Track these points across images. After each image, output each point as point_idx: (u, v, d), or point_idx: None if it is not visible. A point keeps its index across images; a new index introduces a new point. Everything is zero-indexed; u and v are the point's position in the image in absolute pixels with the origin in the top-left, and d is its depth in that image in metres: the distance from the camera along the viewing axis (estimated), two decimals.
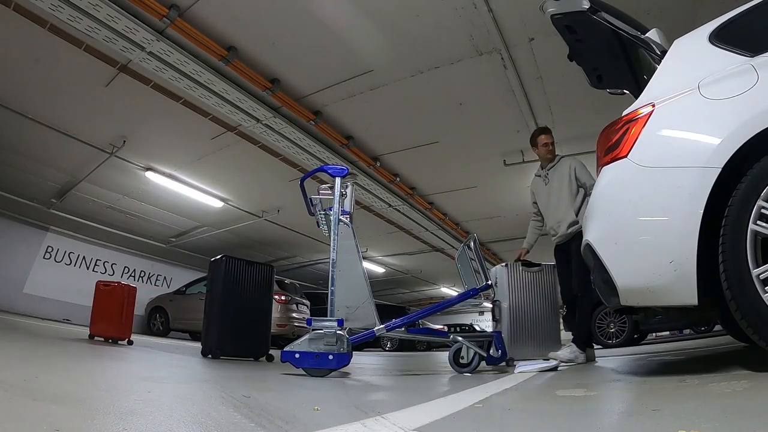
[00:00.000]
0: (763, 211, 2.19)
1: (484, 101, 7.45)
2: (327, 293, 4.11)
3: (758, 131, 2.20)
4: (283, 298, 12.21)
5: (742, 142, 2.22)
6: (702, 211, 2.26)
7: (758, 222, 2.19)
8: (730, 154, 2.24)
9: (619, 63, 3.56)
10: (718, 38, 2.70)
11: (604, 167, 2.80)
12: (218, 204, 11.74)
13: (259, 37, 6.21)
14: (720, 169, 2.25)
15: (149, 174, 10.14)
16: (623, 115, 2.82)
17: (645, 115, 2.67)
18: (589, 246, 2.82)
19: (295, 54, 6.50)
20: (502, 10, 5.57)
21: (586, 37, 3.44)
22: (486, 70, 6.65)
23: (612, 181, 2.75)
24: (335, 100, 7.44)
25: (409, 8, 5.65)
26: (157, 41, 6.01)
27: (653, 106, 2.67)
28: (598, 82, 3.74)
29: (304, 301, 13.40)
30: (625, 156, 2.65)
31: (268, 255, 16.41)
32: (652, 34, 3.12)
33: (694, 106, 2.54)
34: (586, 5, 3.17)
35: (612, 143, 2.76)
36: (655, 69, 2.90)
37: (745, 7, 2.77)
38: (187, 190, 10.97)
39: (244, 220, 12.94)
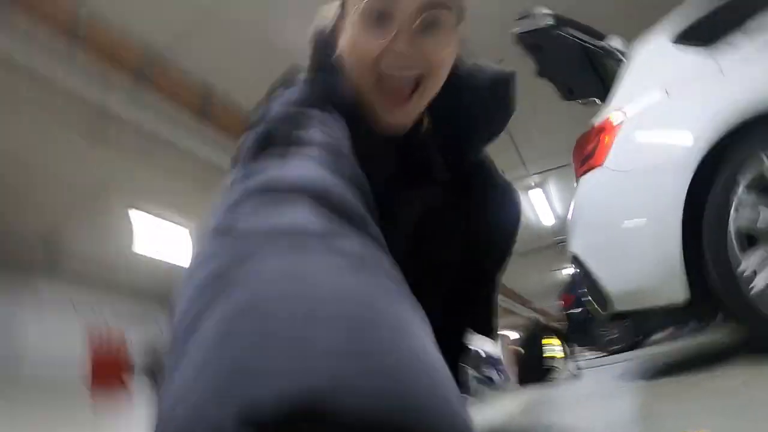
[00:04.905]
0: (741, 206, 2.22)
1: None
2: None
3: (729, 127, 2.24)
4: None
5: (715, 139, 2.26)
6: (681, 210, 2.29)
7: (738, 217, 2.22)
8: (704, 152, 2.27)
9: (588, 74, 3.63)
10: (679, 35, 2.77)
11: (581, 177, 2.84)
12: None
13: None
14: (695, 167, 2.28)
15: None
16: (595, 123, 2.87)
17: (616, 121, 2.70)
18: (575, 258, 2.84)
19: None
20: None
21: (552, 53, 3.50)
22: None
23: (591, 189, 2.79)
24: None
25: None
26: None
27: (623, 112, 2.71)
28: (570, 95, 3.80)
29: None
30: (601, 164, 2.68)
31: None
32: (614, 42, 3.22)
33: (663, 107, 2.60)
34: (550, 21, 3.25)
35: (587, 153, 2.80)
36: (621, 75, 2.97)
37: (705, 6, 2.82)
38: None
39: None
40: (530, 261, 15.48)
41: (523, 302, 22.62)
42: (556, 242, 13.52)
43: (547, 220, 11.90)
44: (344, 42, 0.98)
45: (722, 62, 2.42)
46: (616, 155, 2.64)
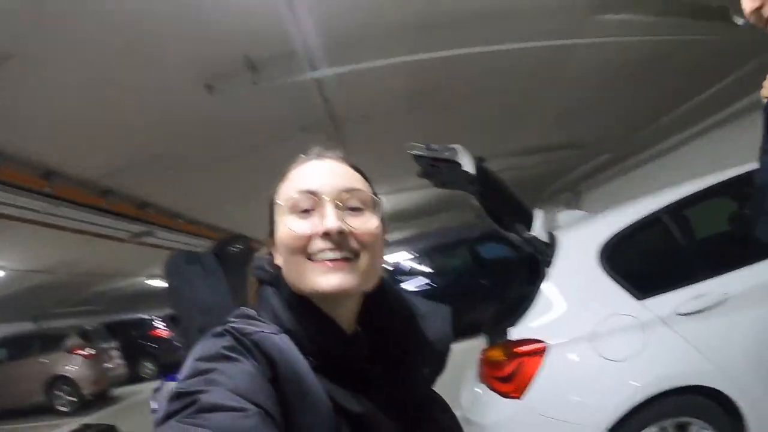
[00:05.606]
0: None
1: None
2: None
3: (640, 401, 2.47)
4: (88, 352, 10.91)
5: (628, 410, 2.46)
6: None
7: None
8: (617, 420, 2.47)
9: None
10: (608, 260, 2.76)
11: (495, 394, 2.81)
12: None
13: (26, 137, 5.45)
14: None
15: None
16: (513, 340, 2.79)
17: (538, 354, 2.66)
18: None
19: (73, 145, 5.80)
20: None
21: (445, 175, 3.16)
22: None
23: (508, 422, 2.76)
24: (126, 180, 6.85)
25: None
26: None
27: (545, 346, 2.67)
28: (442, 186, 3.43)
29: (112, 345, 12.15)
30: (520, 397, 2.66)
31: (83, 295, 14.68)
32: (538, 218, 3.01)
33: (588, 360, 2.65)
34: (470, 170, 2.84)
35: (504, 375, 2.74)
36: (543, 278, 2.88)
37: (632, 220, 2.87)
38: None
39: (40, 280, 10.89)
40: None
41: None
42: None
43: None
44: (277, 238, 0.97)
45: (646, 331, 2.57)
46: (536, 396, 2.64)
